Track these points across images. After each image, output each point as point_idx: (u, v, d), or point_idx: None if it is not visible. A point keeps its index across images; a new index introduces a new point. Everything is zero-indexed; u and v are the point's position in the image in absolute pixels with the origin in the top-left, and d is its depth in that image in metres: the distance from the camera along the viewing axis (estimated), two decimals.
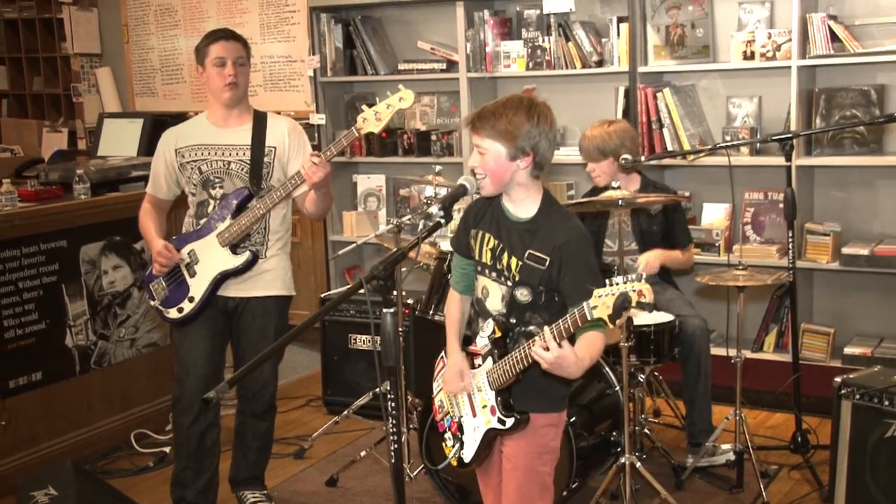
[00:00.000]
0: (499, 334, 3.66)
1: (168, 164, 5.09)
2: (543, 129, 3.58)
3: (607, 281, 3.21)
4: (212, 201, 4.99)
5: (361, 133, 4.70)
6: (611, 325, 3.24)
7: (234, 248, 4.93)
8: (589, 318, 3.22)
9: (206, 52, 4.97)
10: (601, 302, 3.18)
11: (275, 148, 5.00)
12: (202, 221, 4.99)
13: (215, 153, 4.98)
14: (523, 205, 3.67)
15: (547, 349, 3.29)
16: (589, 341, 3.43)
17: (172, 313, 5.04)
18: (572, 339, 3.39)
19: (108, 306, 6.18)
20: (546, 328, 3.32)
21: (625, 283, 3.15)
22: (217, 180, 4.97)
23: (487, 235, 3.72)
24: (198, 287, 4.97)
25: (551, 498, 3.80)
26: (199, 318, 5.00)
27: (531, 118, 3.56)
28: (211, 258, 4.95)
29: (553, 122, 3.63)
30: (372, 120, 4.64)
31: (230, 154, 4.97)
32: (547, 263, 3.55)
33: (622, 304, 3.12)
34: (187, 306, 4.99)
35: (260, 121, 5.04)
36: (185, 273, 5.00)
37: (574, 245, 3.56)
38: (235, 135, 5.00)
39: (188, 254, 4.99)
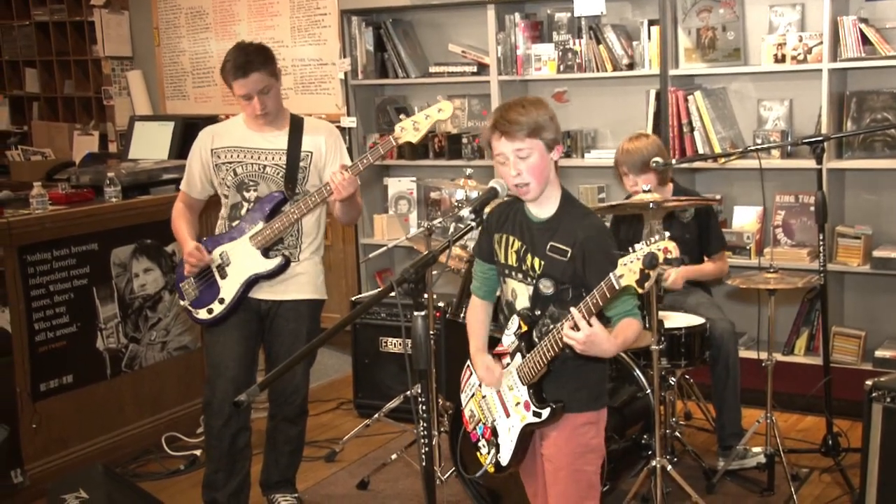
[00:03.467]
0: (525, 329, 3.67)
1: (204, 163, 5.09)
2: (556, 119, 3.65)
3: (630, 249, 3.24)
4: (245, 204, 4.99)
5: (399, 143, 4.70)
6: (640, 290, 3.24)
7: (267, 252, 4.93)
8: (617, 287, 3.24)
9: (229, 83, 4.91)
10: (626, 269, 3.21)
11: (311, 153, 4.99)
12: (235, 224, 4.99)
13: (251, 156, 4.98)
14: (548, 204, 3.69)
15: (576, 328, 3.31)
16: (623, 325, 3.48)
17: (202, 314, 5.04)
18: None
19: (139, 309, 6.20)
20: (573, 308, 3.34)
21: (647, 245, 3.18)
22: (252, 183, 4.97)
23: (512, 238, 3.74)
24: (229, 289, 4.98)
25: (598, 497, 3.79)
26: (232, 320, 5.00)
27: (546, 109, 3.63)
28: (243, 260, 4.95)
29: None
30: (410, 130, 4.64)
31: (266, 158, 4.96)
32: (569, 255, 3.57)
33: (650, 262, 3.13)
34: (217, 308, 5.00)
35: (297, 126, 5.02)
36: (217, 274, 5.00)
37: (596, 240, 3.59)
38: (272, 139, 4.98)
39: (220, 255, 4.99)
